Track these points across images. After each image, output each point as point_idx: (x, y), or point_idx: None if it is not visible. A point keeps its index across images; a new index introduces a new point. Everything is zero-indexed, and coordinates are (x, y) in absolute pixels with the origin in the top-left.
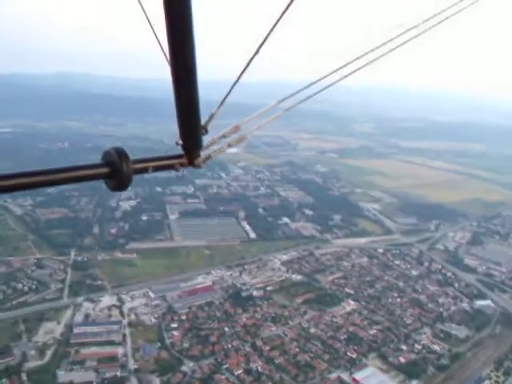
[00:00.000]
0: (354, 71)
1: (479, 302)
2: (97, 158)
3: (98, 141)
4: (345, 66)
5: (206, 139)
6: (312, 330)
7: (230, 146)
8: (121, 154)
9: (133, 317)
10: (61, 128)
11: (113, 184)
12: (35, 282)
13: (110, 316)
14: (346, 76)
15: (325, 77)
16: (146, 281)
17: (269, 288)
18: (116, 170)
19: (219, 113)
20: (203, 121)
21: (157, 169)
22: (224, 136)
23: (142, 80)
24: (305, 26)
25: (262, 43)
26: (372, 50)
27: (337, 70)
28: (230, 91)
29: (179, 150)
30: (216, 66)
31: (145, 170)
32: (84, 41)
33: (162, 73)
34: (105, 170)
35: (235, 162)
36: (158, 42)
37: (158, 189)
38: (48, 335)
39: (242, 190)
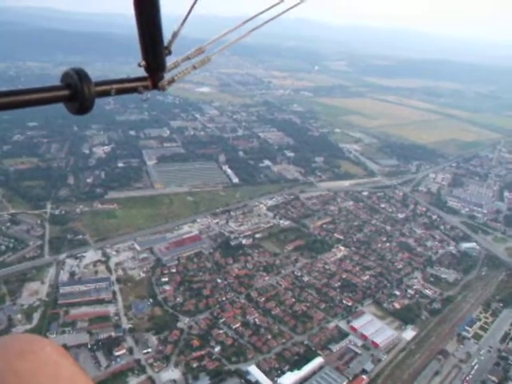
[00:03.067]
0: None
1: (465, 245)
2: None
3: None
4: None
5: (169, 62)
6: (305, 279)
7: (194, 67)
8: (81, 75)
9: (120, 272)
10: (19, 69)
11: (74, 107)
12: (12, 240)
13: (96, 272)
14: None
15: (280, 3)
16: (130, 233)
17: (257, 235)
18: (77, 91)
19: (182, 32)
20: (166, 42)
21: (120, 91)
22: (188, 58)
23: (108, 14)
24: None
25: None
26: None
27: None
28: (193, 7)
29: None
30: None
31: (107, 93)
32: None
33: (127, 6)
34: (65, 92)
35: (209, 101)
36: None
37: (132, 132)
38: (33, 297)
39: (219, 131)
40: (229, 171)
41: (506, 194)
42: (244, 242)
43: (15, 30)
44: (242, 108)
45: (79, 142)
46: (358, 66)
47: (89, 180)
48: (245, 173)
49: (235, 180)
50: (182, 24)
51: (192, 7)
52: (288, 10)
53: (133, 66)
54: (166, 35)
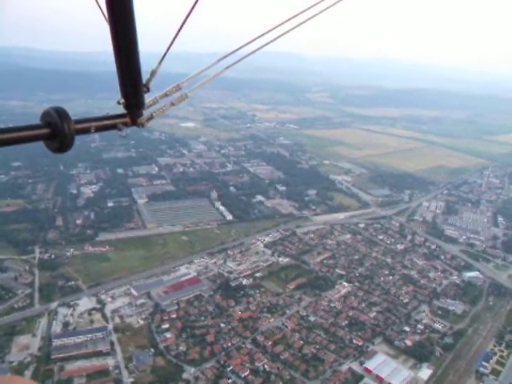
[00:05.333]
0: (286, 32)
1: (468, 274)
2: None
3: None
4: (279, 25)
5: (148, 99)
6: (312, 319)
7: (172, 104)
8: (61, 113)
9: (118, 320)
10: (1, 108)
11: (54, 145)
12: None
13: (91, 322)
14: (279, 36)
15: (260, 36)
16: (125, 277)
17: (258, 274)
18: (57, 130)
19: (160, 70)
20: (145, 80)
21: (99, 128)
22: (166, 95)
23: (88, 53)
24: None
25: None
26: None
27: (271, 29)
28: (171, 45)
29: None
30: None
31: (87, 130)
32: (24, 13)
33: (107, 45)
34: (45, 130)
35: (195, 137)
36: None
37: (120, 170)
38: (23, 352)
39: (208, 167)
40: (222, 208)
41: (500, 219)
42: (244, 282)
43: None
44: (229, 142)
45: (66, 182)
46: (339, 97)
47: (78, 221)
48: (238, 209)
49: (229, 217)
50: (160, 62)
51: (169, 47)
52: (264, 46)
53: (115, 102)
54: (145, 70)
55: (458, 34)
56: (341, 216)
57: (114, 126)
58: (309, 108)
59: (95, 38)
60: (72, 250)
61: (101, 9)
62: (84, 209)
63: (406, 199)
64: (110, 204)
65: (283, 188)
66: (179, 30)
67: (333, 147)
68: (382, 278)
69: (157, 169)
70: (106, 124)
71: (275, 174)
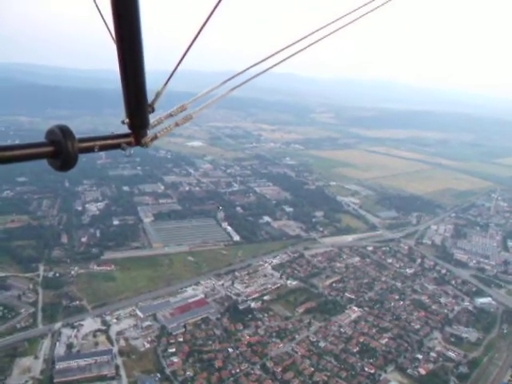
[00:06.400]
0: (293, 54)
1: (480, 300)
2: None
3: None
4: (286, 48)
5: (152, 119)
6: (322, 344)
7: (176, 125)
8: (65, 132)
9: (123, 343)
10: (10, 124)
11: (57, 164)
12: (1, 308)
13: (96, 344)
14: (286, 58)
15: (266, 59)
16: (130, 297)
17: (266, 297)
18: (61, 148)
19: (165, 91)
20: (150, 100)
21: (103, 148)
22: (171, 115)
23: (97, 70)
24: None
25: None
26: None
27: (277, 52)
28: (176, 68)
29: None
30: (165, 56)
31: (91, 149)
32: (29, 30)
33: (114, 62)
34: (49, 148)
35: (201, 156)
36: (101, 15)
37: (126, 188)
38: (25, 375)
39: (214, 186)
40: (228, 228)
41: (510, 243)
42: (252, 305)
43: (6, 85)
44: (234, 162)
45: (71, 198)
46: (345, 118)
47: (83, 239)
48: (245, 230)
49: (236, 238)
50: (166, 84)
51: (175, 69)
52: (270, 68)
53: (120, 118)
54: (149, 88)
55: (466, 60)
56: (349, 238)
57: (118, 146)
58: (314, 129)
59: (100, 56)
60: (77, 268)
61: (109, 30)
62: (89, 226)
63: (414, 222)
64: (116, 222)
65: (290, 209)
66: (186, 53)
67: (339, 168)
68: (392, 303)
69: (163, 187)
70: (110, 143)
71: (282, 195)
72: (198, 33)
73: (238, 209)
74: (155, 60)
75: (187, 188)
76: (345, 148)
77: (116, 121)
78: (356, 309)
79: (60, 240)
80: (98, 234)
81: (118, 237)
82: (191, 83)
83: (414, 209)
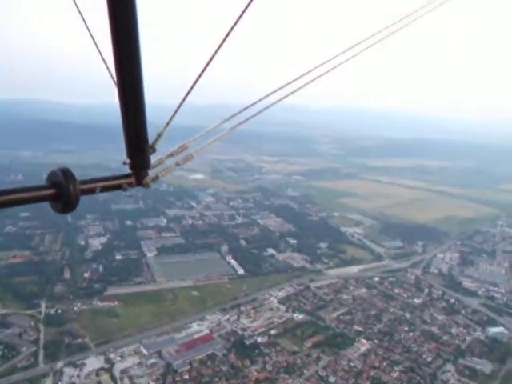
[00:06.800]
0: (293, 92)
1: (492, 330)
2: None
3: None
4: (285, 86)
5: (153, 159)
6: (332, 379)
7: (177, 164)
8: (67, 174)
9: (127, 381)
10: (12, 158)
11: (59, 206)
12: (1, 347)
13: (99, 383)
14: (286, 96)
15: (268, 95)
16: (135, 334)
17: (272, 332)
18: (62, 191)
19: (166, 132)
20: (151, 140)
21: (105, 189)
22: (171, 155)
23: (102, 105)
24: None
25: (207, 65)
26: (312, 70)
27: (277, 90)
28: (177, 110)
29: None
30: (166, 89)
31: (92, 191)
32: (31, 65)
33: (114, 97)
34: (51, 191)
35: (203, 189)
36: (103, 58)
37: (128, 222)
38: None
39: (217, 219)
40: (233, 262)
41: None
42: (259, 340)
43: (12, 120)
44: (237, 194)
45: (74, 233)
46: (348, 148)
47: (86, 274)
48: (249, 263)
49: (240, 271)
50: (167, 126)
51: (176, 111)
52: (271, 105)
53: (123, 152)
54: (151, 123)
55: (464, 89)
56: (354, 269)
57: (119, 187)
58: (316, 159)
59: (100, 90)
60: (79, 304)
61: (110, 74)
62: (92, 261)
63: (420, 251)
64: (119, 257)
65: (294, 241)
66: (188, 93)
67: (342, 198)
68: (402, 335)
69: (165, 221)
70: (111, 184)
71: (285, 227)
72: (201, 74)
73: (242, 241)
74: (156, 93)
75: (190, 221)
76: (347, 178)
77: (117, 156)
78: (365, 341)
79: (62, 275)
80: (100, 269)
81: (121, 272)
82: (188, 116)
83: (419, 237)
